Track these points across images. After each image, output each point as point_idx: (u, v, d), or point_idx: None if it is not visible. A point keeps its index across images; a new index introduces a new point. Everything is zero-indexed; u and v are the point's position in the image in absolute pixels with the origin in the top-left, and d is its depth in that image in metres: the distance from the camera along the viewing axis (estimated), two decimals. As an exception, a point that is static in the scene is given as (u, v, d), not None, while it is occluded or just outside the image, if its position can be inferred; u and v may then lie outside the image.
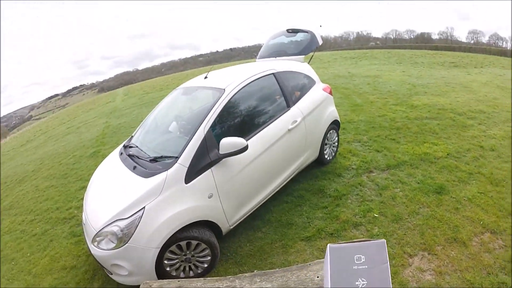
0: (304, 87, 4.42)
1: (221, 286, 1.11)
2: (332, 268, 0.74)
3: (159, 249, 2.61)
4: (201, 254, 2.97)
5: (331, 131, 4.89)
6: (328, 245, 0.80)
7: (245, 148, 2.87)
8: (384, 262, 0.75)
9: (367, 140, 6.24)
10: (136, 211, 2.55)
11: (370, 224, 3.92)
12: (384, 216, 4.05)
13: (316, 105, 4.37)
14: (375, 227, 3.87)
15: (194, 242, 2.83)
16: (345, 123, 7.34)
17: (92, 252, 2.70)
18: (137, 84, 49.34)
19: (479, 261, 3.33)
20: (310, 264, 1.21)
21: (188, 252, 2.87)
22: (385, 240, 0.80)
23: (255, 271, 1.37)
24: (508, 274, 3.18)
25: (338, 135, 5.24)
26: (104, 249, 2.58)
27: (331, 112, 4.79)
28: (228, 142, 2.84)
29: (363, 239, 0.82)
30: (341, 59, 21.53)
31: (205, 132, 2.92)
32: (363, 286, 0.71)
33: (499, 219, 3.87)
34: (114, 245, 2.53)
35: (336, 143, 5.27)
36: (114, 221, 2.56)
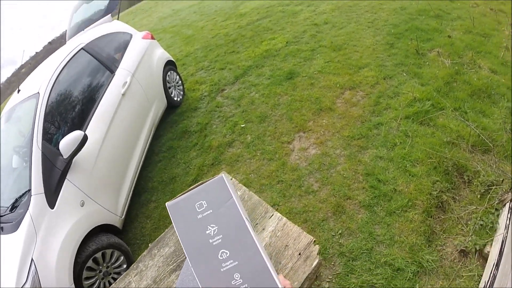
0: (123, 45, 4.15)
1: (131, 279, 1.07)
2: (178, 227, 0.64)
3: (73, 285, 2.42)
4: (113, 260, 2.78)
5: (169, 73, 4.65)
6: (166, 204, 0.67)
7: (85, 138, 2.72)
8: (228, 198, 0.64)
9: (209, 64, 5.82)
10: (28, 268, 2.31)
11: (241, 136, 3.65)
12: (251, 122, 3.78)
13: (140, 57, 4.12)
14: (247, 136, 3.60)
15: (98, 255, 2.63)
16: (183, 59, 6.75)
17: None
18: None
19: (350, 116, 3.29)
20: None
21: (101, 268, 2.68)
22: (223, 174, 0.68)
23: (149, 245, 1.14)
24: (380, 114, 3.18)
25: (178, 73, 5.01)
26: None
27: (161, 55, 4.56)
28: (66, 142, 2.65)
29: (201, 182, 0.68)
30: (161, 0, 19.65)
31: (40, 147, 2.67)
32: (215, 233, 0.61)
33: (352, 76, 3.92)
34: None
35: (180, 81, 5.02)
36: None
